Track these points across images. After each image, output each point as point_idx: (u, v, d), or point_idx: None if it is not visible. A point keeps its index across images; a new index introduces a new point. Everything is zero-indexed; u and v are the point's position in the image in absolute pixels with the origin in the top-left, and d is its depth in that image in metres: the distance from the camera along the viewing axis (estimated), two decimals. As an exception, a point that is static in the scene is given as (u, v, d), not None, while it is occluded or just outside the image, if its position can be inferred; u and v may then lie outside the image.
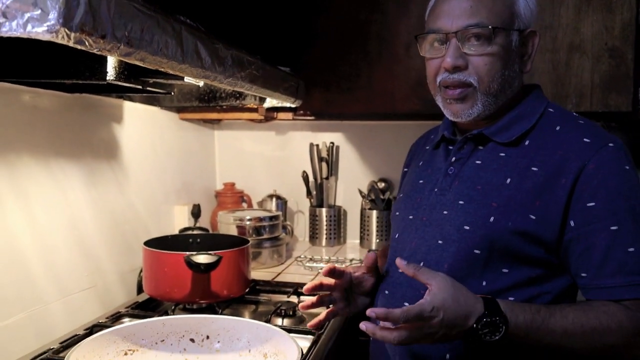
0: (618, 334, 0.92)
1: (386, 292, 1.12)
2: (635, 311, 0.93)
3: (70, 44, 0.63)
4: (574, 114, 1.09)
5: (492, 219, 0.99)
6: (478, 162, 1.07)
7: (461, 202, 1.05)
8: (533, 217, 0.97)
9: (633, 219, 0.95)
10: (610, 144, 0.98)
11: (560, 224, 0.97)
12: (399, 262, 0.94)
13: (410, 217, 1.13)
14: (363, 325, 0.88)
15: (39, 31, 0.59)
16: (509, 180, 1.01)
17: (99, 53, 0.70)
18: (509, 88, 1.05)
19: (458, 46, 1.02)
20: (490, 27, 1.00)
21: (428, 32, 1.08)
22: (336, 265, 1.12)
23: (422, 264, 1.04)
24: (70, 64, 1.06)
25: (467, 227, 1.02)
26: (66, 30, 0.60)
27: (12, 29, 0.58)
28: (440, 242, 1.05)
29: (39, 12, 0.58)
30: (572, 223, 0.97)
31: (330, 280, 1.11)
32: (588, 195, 0.96)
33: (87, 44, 0.65)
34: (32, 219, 1.34)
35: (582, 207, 0.96)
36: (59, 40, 0.61)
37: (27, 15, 0.58)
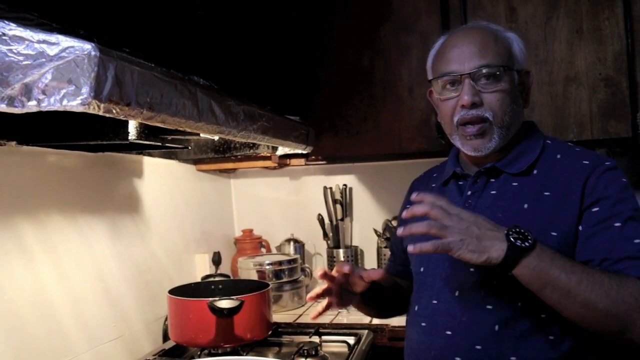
0: (635, 287, 0.95)
1: (423, 324, 1.18)
2: None
3: (100, 113, 0.71)
4: (569, 143, 1.21)
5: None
6: (493, 192, 1.16)
7: None
8: (554, 234, 1.07)
9: (635, 219, 1.04)
10: (607, 163, 1.10)
11: (575, 234, 1.07)
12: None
13: None
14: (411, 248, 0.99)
15: (73, 104, 0.67)
16: (526, 206, 1.10)
17: (124, 119, 0.78)
18: (517, 121, 1.17)
19: (472, 85, 1.12)
20: (500, 66, 1.12)
21: (442, 75, 1.17)
22: (327, 270, 1.20)
23: (456, 293, 1.12)
24: (95, 127, 1.15)
25: None
26: (97, 102, 0.68)
27: (51, 103, 0.67)
28: (472, 269, 1.11)
29: (73, 88, 0.67)
30: (580, 228, 1.06)
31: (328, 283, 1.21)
32: (592, 203, 1.06)
33: (114, 112, 0.73)
34: (62, 272, 1.42)
35: (588, 213, 1.06)
36: (91, 111, 0.69)
37: (63, 91, 0.67)
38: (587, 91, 1.77)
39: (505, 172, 1.17)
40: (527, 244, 0.95)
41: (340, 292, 1.22)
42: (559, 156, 1.15)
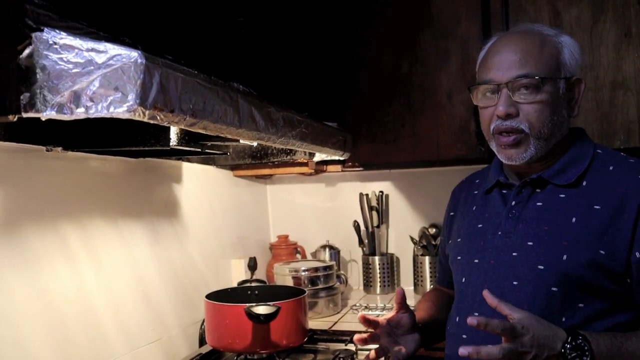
0: None
1: (464, 336, 1.16)
2: None
3: (145, 119, 0.72)
4: (621, 153, 1.16)
5: (565, 257, 1.05)
6: (539, 204, 1.13)
7: (530, 243, 1.10)
8: (602, 252, 1.03)
9: None
10: None
11: (627, 257, 1.03)
12: (486, 292, 1.01)
13: (476, 260, 1.18)
14: (464, 350, 0.94)
15: (119, 111, 0.68)
16: (574, 220, 1.07)
17: (167, 125, 0.79)
18: (558, 132, 1.12)
19: (509, 95, 1.09)
20: (538, 77, 1.08)
21: (480, 83, 1.15)
22: (365, 314, 1.20)
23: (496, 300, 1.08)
24: (137, 133, 1.16)
25: (541, 267, 1.07)
26: (142, 108, 0.69)
27: (98, 110, 0.68)
28: (515, 283, 1.09)
29: (119, 95, 0.68)
30: (637, 254, 1.02)
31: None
32: None
33: (158, 118, 0.74)
34: (103, 275, 1.44)
35: None
36: (136, 118, 0.70)
37: (110, 98, 0.68)
38: (636, 97, 1.70)
39: (552, 183, 1.13)
40: (585, 359, 0.95)
41: (397, 340, 1.21)
42: (611, 168, 1.10)
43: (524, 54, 1.10)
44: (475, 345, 0.94)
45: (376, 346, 1.21)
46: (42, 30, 0.67)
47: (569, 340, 0.96)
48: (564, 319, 1.04)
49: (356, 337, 1.21)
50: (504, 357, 0.93)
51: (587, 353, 0.95)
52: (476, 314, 1.12)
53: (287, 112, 1.20)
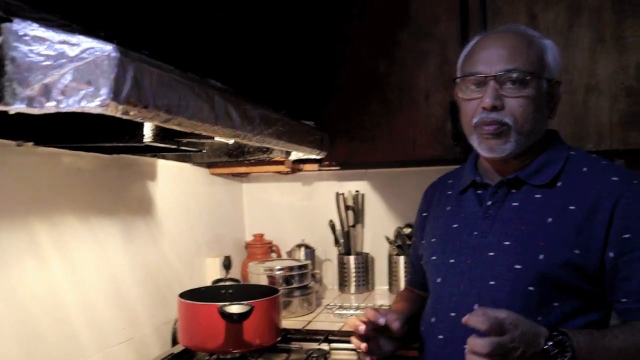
0: None
1: (440, 337, 1.16)
2: None
3: (118, 115, 0.70)
4: (594, 155, 1.18)
5: (541, 256, 1.07)
6: (515, 204, 1.14)
7: (507, 243, 1.11)
8: (577, 252, 1.05)
9: None
10: (635, 181, 1.09)
11: (601, 257, 1.05)
12: (465, 320, 0.97)
13: (452, 260, 1.18)
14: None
15: (91, 106, 0.66)
16: (550, 220, 1.09)
17: (141, 121, 0.77)
18: (539, 130, 1.15)
19: (496, 88, 1.10)
20: (526, 72, 1.10)
21: (467, 74, 1.16)
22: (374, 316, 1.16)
23: (476, 305, 1.09)
24: (111, 128, 1.14)
25: (518, 266, 1.08)
26: (115, 103, 0.67)
27: (69, 104, 0.66)
28: (492, 282, 1.10)
29: (92, 89, 0.66)
30: (611, 254, 1.05)
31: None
32: (623, 228, 1.05)
33: (132, 114, 0.72)
34: (75, 274, 1.41)
35: (619, 239, 1.05)
36: (109, 113, 0.68)
37: (82, 92, 0.65)
38: (608, 101, 1.74)
39: (528, 183, 1.14)
40: (566, 356, 0.96)
41: (377, 337, 1.18)
42: (585, 169, 1.13)
43: (513, 50, 1.12)
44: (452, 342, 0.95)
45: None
46: (11, 21, 0.65)
47: (551, 337, 0.97)
48: (539, 318, 1.05)
49: (352, 321, 1.17)
50: (490, 351, 0.92)
51: (568, 349, 0.96)
52: (453, 314, 1.13)
53: (263, 110, 1.19)
